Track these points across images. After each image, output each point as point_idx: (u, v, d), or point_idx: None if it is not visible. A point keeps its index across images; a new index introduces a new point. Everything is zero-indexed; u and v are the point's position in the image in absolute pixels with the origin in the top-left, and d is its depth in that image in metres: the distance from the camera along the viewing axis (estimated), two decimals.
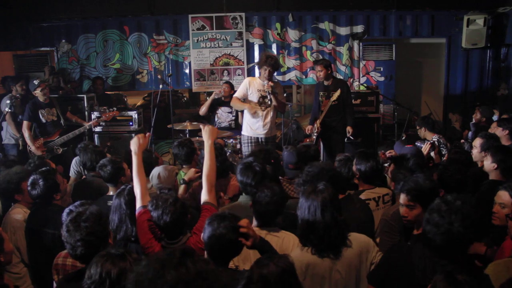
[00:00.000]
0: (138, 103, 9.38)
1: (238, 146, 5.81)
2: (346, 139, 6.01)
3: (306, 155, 3.93)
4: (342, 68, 7.89)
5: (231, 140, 5.94)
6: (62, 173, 3.93)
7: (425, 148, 4.26)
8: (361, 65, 7.87)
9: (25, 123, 5.69)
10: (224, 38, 7.82)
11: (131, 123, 6.80)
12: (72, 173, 4.59)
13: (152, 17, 7.79)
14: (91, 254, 2.02)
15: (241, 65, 7.91)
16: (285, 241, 2.59)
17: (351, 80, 7.85)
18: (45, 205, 3.25)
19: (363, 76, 7.90)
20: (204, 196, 2.75)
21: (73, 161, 4.63)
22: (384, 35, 7.83)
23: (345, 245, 2.33)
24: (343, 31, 7.80)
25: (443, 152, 4.72)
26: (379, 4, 7.73)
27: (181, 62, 7.96)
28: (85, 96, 7.07)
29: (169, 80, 7.28)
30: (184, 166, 4.06)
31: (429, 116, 6.32)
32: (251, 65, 7.92)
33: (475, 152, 3.90)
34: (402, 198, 2.59)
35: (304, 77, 7.99)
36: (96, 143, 6.39)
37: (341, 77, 7.64)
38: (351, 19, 7.77)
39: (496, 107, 6.46)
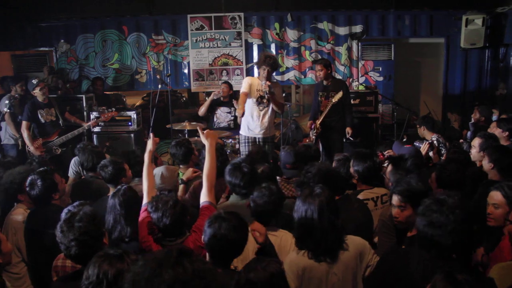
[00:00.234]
0: (137, 103, 9.38)
1: (237, 146, 5.81)
2: (345, 139, 6.01)
3: (306, 155, 3.94)
4: (341, 68, 7.89)
5: (230, 140, 5.95)
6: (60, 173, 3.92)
7: (423, 148, 4.26)
8: (360, 65, 7.86)
9: (24, 123, 5.68)
10: (223, 38, 7.82)
11: (130, 123, 6.80)
12: (71, 173, 4.60)
13: (151, 17, 7.78)
14: (86, 254, 2.02)
15: (240, 65, 7.90)
16: (283, 240, 2.60)
17: (350, 80, 7.85)
18: (44, 205, 3.25)
19: (362, 76, 7.89)
20: (204, 196, 2.78)
21: (72, 161, 4.63)
22: (383, 35, 7.83)
23: (342, 248, 2.33)
24: (342, 31, 7.80)
25: (442, 152, 4.71)
26: (378, 4, 7.73)
27: (180, 62, 7.95)
28: (84, 96, 7.05)
29: (168, 80, 7.28)
30: (181, 166, 4.06)
31: (429, 115, 6.32)
32: (250, 65, 7.91)
33: (474, 152, 3.89)
34: (394, 199, 2.60)
35: (303, 77, 7.99)
36: (95, 143, 6.38)
37: (340, 77, 7.64)
38: (350, 19, 7.77)
39: (496, 107, 6.45)
